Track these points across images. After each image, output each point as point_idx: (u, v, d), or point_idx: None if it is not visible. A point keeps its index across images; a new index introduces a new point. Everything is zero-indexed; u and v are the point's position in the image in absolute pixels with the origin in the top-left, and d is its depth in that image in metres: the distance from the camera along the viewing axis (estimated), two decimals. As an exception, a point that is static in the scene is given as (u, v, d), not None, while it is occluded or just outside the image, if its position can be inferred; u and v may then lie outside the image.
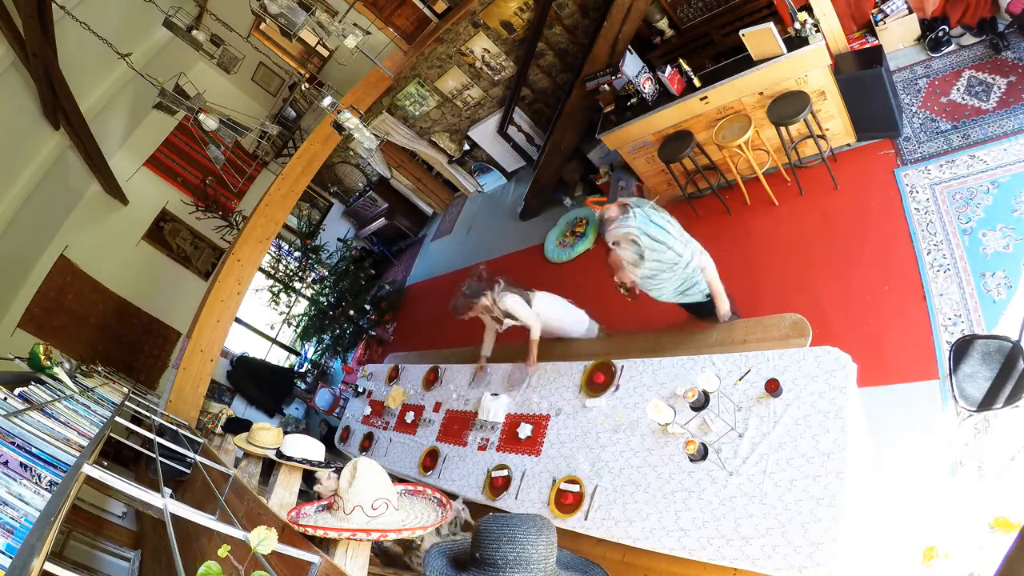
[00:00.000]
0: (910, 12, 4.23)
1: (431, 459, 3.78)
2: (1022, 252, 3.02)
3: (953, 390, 1.63)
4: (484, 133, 7.75)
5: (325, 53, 8.52)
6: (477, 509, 3.28)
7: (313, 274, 9.38)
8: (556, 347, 3.78)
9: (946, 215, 3.43)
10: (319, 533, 1.49)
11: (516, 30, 6.38)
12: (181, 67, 7.26)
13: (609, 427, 2.86)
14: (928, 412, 2.81)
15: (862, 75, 3.92)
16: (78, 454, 1.54)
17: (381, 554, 2.96)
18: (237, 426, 3.85)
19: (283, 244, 9.62)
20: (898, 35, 4.35)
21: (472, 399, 3.88)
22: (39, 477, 1.30)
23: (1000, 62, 3.78)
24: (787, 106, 3.86)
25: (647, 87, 4.59)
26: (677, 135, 4.55)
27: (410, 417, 4.29)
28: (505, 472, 3.19)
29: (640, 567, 2.43)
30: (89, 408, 2.29)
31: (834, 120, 4.13)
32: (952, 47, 4.09)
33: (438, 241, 9.03)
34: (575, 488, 2.78)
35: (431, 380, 4.38)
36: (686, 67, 4.29)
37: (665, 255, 2.64)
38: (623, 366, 3.05)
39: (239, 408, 8.25)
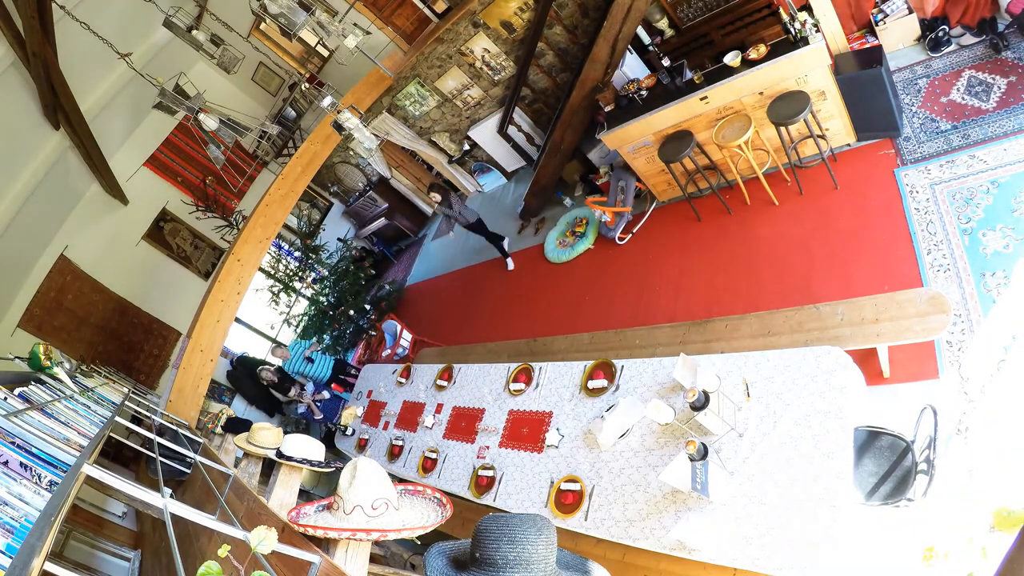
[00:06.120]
0: (910, 12, 4.23)
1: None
2: (1022, 252, 3.02)
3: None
4: (484, 133, 7.74)
5: (325, 53, 8.52)
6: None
7: (313, 274, 9.37)
8: (556, 344, 3.78)
9: (946, 215, 3.43)
10: (319, 533, 1.49)
11: (516, 30, 6.38)
12: (181, 67, 7.28)
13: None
14: (928, 412, 2.81)
15: (862, 75, 3.92)
16: (78, 454, 1.54)
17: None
18: (237, 426, 3.85)
19: (283, 244, 9.61)
20: (898, 35, 4.35)
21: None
22: (39, 477, 1.30)
23: (1000, 62, 3.78)
24: (787, 106, 3.86)
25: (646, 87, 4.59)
26: (677, 135, 4.55)
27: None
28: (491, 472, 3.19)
29: (640, 567, 2.44)
30: (89, 408, 2.29)
31: (834, 120, 4.13)
32: (952, 47, 4.09)
33: (438, 241, 9.03)
34: (575, 487, 2.78)
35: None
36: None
37: None
38: (623, 366, 3.05)
39: (239, 408, 8.24)
